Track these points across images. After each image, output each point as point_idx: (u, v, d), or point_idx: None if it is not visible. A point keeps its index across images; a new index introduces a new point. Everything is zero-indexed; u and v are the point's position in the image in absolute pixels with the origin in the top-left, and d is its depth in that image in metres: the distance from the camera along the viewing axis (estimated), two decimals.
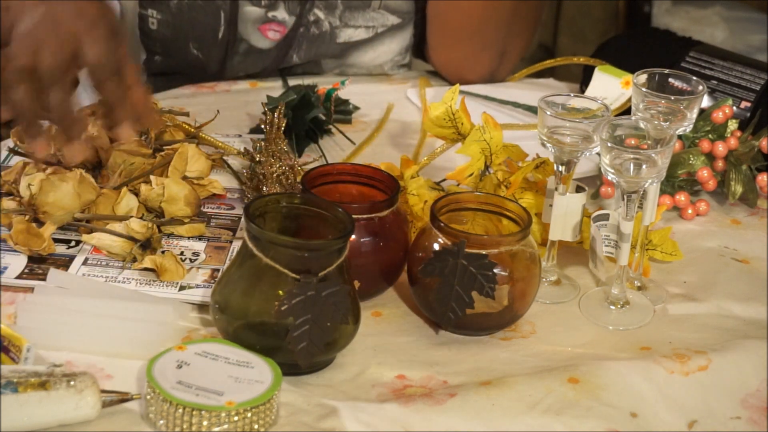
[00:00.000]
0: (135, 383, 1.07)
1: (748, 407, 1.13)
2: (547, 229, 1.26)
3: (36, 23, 1.16)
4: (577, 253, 1.30)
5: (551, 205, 1.25)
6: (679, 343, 1.18)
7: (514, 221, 1.20)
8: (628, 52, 1.64)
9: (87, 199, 1.27)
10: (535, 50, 2.96)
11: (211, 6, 1.63)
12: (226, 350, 1.07)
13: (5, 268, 1.21)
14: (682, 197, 1.41)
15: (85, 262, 1.23)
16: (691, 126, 1.24)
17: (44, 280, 1.18)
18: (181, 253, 1.26)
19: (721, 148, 1.42)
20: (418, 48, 1.79)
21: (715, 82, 1.54)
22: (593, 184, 1.41)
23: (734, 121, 1.44)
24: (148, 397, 1.02)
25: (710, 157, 1.43)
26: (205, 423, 0.99)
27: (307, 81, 1.62)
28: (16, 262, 1.22)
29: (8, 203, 1.27)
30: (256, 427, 1.01)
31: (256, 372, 1.04)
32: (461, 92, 1.37)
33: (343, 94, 1.58)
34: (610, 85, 1.55)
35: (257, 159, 1.34)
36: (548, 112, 1.20)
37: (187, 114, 1.44)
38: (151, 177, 1.29)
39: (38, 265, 1.22)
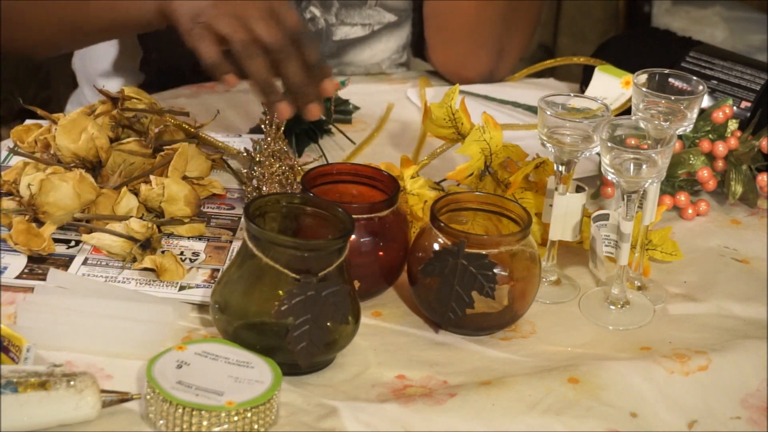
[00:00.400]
0: (135, 383, 1.07)
1: (748, 407, 1.13)
2: (547, 229, 1.26)
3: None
4: (577, 253, 1.30)
5: (551, 205, 1.25)
6: (679, 343, 1.18)
7: (514, 221, 1.20)
8: (628, 52, 1.64)
9: (87, 199, 1.27)
10: (535, 50, 2.96)
11: None
12: (226, 350, 1.07)
13: (5, 268, 1.21)
14: (682, 197, 1.41)
15: (84, 262, 1.23)
16: (692, 126, 1.24)
17: (44, 280, 1.18)
18: (181, 253, 1.26)
19: (721, 148, 1.42)
20: (418, 48, 1.79)
21: (715, 82, 1.54)
22: (593, 184, 1.41)
23: (734, 121, 1.44)
24: (148, 397, 1.02)
25: (710, 157, 1.43)
26: (205, 423, 0.99)
27: None
28: (16, 262, 1.22)
29: (8, 203, 1.27)
30: (256, 427, 1.01)
31: (256, 372, 1.04)
32: (461, 92, 1.37)
33: (343, 94, 1.58)
34: (610, 85, 1.55)
35: (257, 159, 1.34)
36: (548, 112, 1.20)
37: (187, 114, 1.44)
38: (151, 177, 1.29)
39: (38, 265, 1.22)
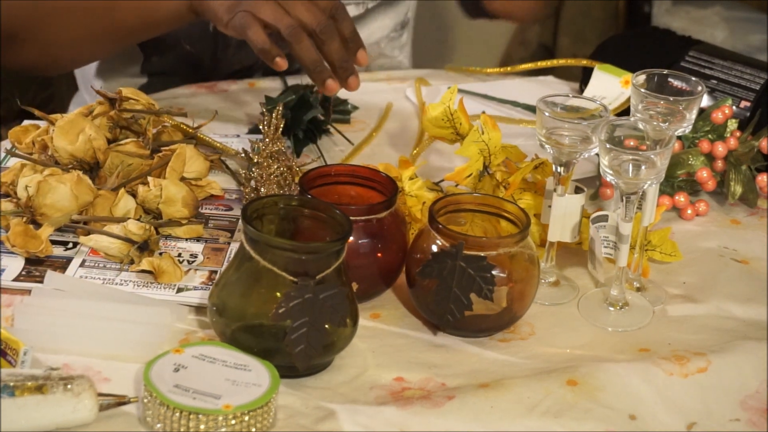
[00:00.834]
0: (132, 386, 1.06)
1: (748, 409, 1.13)
2: (546, 230, 1.26)
3: None
4: (576, 254, 1.30)
5: (550, 206, 1.24)
6: (678, 344, 1.18)
7: (512, 222, 1.20)
8: (628, 52, 1.64)
9: (84, 200, 1.26)
10: (536, 50, 2.96)
11: None
12: (223, 353, 1.07)
13: (3, 270, 1.20)
14: (681, 198, 1.41)
15: (82, 264, 1.23)
16: (691, 126, 1.23)
17: (41, 282, 1.18)
18: (179, 255, 1.25)
19: (720, 149, 1.42)
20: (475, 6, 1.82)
21: (714, 81, 1.54)
22: (592, 185, 1.41)
23: (734, 121, 1.44)
24: (146, 400, 1.02)
25: (710, 157, 1.43)
26: (202, 426, 0.99)
27: (306, 81, 1.61)
28: (14, 264, 1.21)
29: (6, 205, 1.27)
30: (253, 430, 1.01)
31: (253, 375, 1.04)
32: (460, 91, 1.36)
33: (341, 94, 1.58)
34: (609, 85, 1.54)
35: (255, 160, 1.34)
36: (547, 113, 1.20)
37: (185, 114, 1.44)
38: (149, 178, 1.29)
39: (35, 267, 1.21)
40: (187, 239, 1.28)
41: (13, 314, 1.13)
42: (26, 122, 1.44)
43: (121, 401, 1.02)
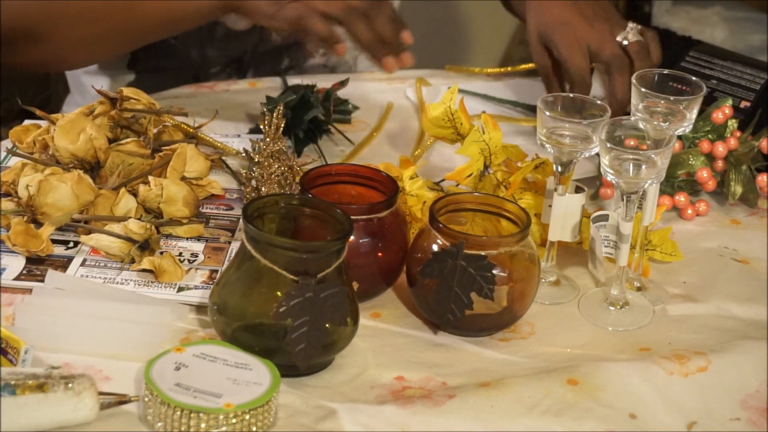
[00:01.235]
0: (133, 385, 1.06)
1: (748, 408, 1.13)
2: (546, 230, 1.26)
3: None
4: (576, 253, 1.30)
5: (550, 206, 1.24)
6: (678, 344, 1.18)
7: (513, 222, 1.20)
8: None
9: (85, 199, 1.26)
10: None
11: None
12: (224, 352, 1.07)
13: (4, 269, 1.20)
14: (681, 198, 1.41)
15: (83, 264, 1.23)
16: (691, 126, 1.23)
17: (42, 281, 1.18)
18: (180, 254, 1.25)
19: (720, 149, 1.42)
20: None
21: (715, 81, 1.54)
22: (593, 185, 1.41)
23: (734, 120, 1.44)
24: (146, 399, 1.02)
25: (710, 157, 1.43)
26: (203, 425, 0.99)
27: (306, 81, 1.61)
28: (15, 264, 1.21)
29: (7, 204, 1.27)
30: (254, 429, 1.01)
31: (254, 374, 1.04)
32: (460, 91, 1.37)
33: (342, 93, 1.58)
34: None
35: (256, 159, 1.34)
36: (547, 113, 1.20)
37: (185, 114, 1.44)
38: (150, 177, 1.29)
39: (36, 266, 1.21)
40: (187, 238, 1.28)
41: (14, 313, 1.13)
42: (27, 122, 1.44)
43: (122, 400, 1.02)
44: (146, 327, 1.11)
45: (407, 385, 1.10)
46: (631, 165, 1.16)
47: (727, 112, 1.43)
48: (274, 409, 1.03)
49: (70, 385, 1.00)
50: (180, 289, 1.20)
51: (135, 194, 1.29)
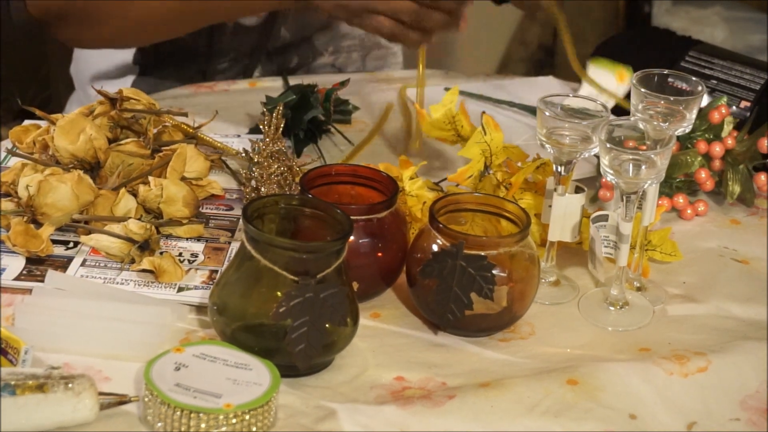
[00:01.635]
0: (133, 385, 1.07)
1: (748, 409, 1.13)
2: (546, 230, 1.26)
3: None
4: (576, 253, 1.30)
5: (550, 206, 1.24)
6: (678, 344, 1.18)
7: (513, 222, 1.20)
8: (628, 52, 1.64)
9: (85, 200, 1.26)
10: (535, 50, 2.96)
11: None
12: (224, 352, 1.07)
13: (4, 269, 1.20)
14: (680, 199, 1.41)
15: (83, 264, 1.23)
16: (690, 126, 1.23)
17: (42, 281, 1.18)
18: (180, 255, 1.25)
19: (717, 149, 1.42)
20: None
21: (714, 81, 1.54)
22: (592, 185, 1.41)
23: (730, 120, 1.44)
24: (146, 399, 1.02)
25: (707, 157, 1.43)
26: (203, 425, 0.99)
27: (307, 81, 1.61)
28: (15, 264, 1.21)
29: (7, 204, 1.27)
30: (254, 429, 1.01)
31: (254, 374, 1.04)
32: (460, 93, 1.37)
33: (342, 94, 1.58)
34: (605, 81, 1.54)
35: (256, 159, 1.34)
36: (547, 113, 1.20)
37: (185, 114, 1.44)
38: (150, 178, 1.29)
39: (36, 266, 1.21)
40: (187, 239, 1.28)
41: (13, 313, 1.13)
42: (27, 122, 1.44)
43: (121, 400, 1.02)
44: (146, 327, 1.11)
45: (407, 386, 1.10)
46: (631, 165, 1.16)
47: (723, 111, 1.43)
48: (274, 410, 1.03)
49: (69, 385, 1.00)
50: (180, 290, 1.20)
51: (135, 194, 1.29)
